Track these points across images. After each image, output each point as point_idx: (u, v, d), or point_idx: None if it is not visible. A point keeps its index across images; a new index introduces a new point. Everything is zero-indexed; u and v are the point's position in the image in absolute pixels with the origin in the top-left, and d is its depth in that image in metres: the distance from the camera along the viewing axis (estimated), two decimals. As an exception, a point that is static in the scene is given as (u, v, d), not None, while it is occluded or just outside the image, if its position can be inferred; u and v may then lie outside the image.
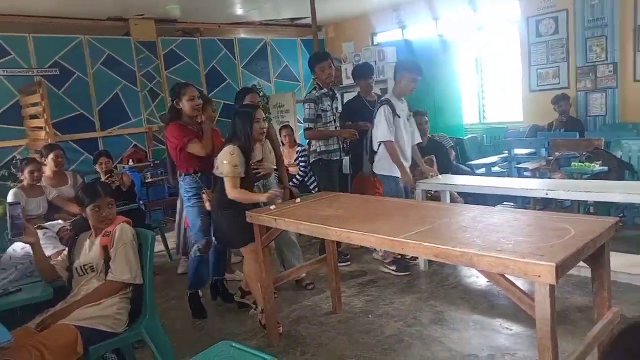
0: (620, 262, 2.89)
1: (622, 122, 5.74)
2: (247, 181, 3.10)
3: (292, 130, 5.74)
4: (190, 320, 3.46)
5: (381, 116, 3.76)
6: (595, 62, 5.84)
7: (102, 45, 6.69)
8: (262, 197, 3.03)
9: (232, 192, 3.00)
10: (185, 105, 3.36)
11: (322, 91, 4.14)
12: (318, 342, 2.94)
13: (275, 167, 3.57)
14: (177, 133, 3.34)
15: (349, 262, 4.28)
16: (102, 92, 6.70)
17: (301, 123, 6.05)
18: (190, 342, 3.11)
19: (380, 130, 3.78)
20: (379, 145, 3.86)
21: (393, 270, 3.87)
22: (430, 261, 3.92)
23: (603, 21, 5.68)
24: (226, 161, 2.99)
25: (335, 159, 4.17)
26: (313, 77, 4.30)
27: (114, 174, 4.66)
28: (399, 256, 3.86)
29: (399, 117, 3.82)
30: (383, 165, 3.87)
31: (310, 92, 4.21)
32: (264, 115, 3.18)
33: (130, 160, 6.48)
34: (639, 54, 5.58)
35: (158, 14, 6.91)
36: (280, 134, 5.79)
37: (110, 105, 6.76)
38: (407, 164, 3.87)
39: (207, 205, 3.32)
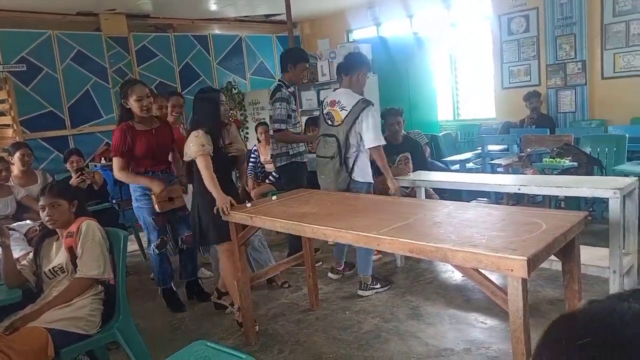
0: (589, 256, 2.97)
1: (591, 119, 5.89)
2: (222, 167, 3.07)
3: (269, 127, 5.70)
4: (166, 320, 3.42)
5: (369, 120, 3.38)
6: (565, 59, 5.97)
7: (71, 40, 6.52)
8: (219, 198, 2.88)
9: (205, 172, 2.92)
10: (133, 105, 3.23)
11: (290, 90, 4.00)
12: (296, 340, 2.94)
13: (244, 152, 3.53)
14: (115, 141, 3.26)
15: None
16: (72, 89, 6.53)
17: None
18: (166, 342, 3.07)
19: (372, 135, 3.39)
20: (356, 153, 3.47)
21: (379, 288, 3.55)
22: (406, 257, 3.96)
23: (572, 20, 5.82)
24: (192, 143, 2.96)
25: (304, 160, 4.13)
26: (283, 73, 4.05)
27: (86, 172, 4.55)
28: (377, 275, 3.67)
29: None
30: (359, 172, 3.49)
31: (279, 91, 3.93)
32: (224, 99, 3.18)
33: (103, 159, 6.33)
34: (606, 53, 5.73)
35: (129, 9, 6.77)
36: (256, 131, 5.75)
37: (80, 102, 6.60)
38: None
39: (157, 207, 3.28)
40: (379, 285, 3.54)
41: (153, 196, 3.27)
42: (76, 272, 2.33)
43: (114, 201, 4.93)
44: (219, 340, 2.97)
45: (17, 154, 4.09)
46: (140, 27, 7.35)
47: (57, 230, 2.46)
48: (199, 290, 3.72)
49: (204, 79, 7.73)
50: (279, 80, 4.06)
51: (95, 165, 5.98)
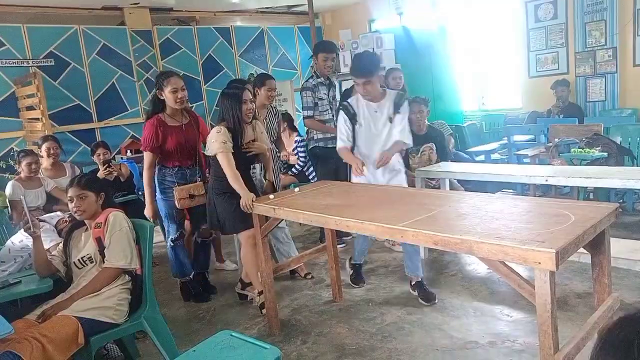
0: (620, 248, 2.90)
1: (622, 107, 5.71)
2: (241, 163, 3.10)
3: (292, 118, 5.69)
4: (191, 310, 3.47)
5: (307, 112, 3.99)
6: (595, 47, 5.80)
7: (97, 35, 6.62)
8: (243, 195, 2.91)
9: (228, 169, 3.00)
10: (167, 97, 3.24)
11: (319, 80, 4.20)
12: (319, 331, 2.95)
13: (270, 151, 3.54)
14: (146, 134, 3.28)
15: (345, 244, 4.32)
16: (98, 83, 6.65)
17: (299, 111, 6.03)
18: (191, 331, 3.12)
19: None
20: None
21: (350, 276, 3.57)
22: (430, 249, 3.92)
23: (602, 5, 5.64)
24: (214, 139, 3.03)
25: (331, 146, 4.07)
26: (312, 64, 4.32)
27: (112, 164, 4.65)
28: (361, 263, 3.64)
29: (361, 125, 3.19)
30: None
31: (307, 81, 4.27)
32: (251, 97, 3.16)
33: (129, 151, 6.44)
34: (638, 39, 5.54)
35: (153, 2, 6.84)
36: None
37: (106, 95, 6.71)
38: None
39: (177, 203, 3.33)
40: (351, 273, 3.57)
41: (175, 192, 3.32)
42: (104, 262, 2.38)
43: (139, 193, 5.01)
44: (243, 330, 3.00)
45: (44, 147, 4.20)
46: (164, 21, 7.42)
47: (85, 221, 2.51)
48: (206, 284, 3.72)
49: (226, 71, 7.77)
50: (313, 70, 4.31)
51: (122, 158, 6.08)
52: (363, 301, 3.30)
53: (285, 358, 2.66)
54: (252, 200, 2.88)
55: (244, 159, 3.17)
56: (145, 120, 3.41)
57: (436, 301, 3.13)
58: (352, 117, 3.19)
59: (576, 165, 4.09)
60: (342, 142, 3.21)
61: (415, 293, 3.23)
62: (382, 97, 3.19)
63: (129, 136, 6.81)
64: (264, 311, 3.13)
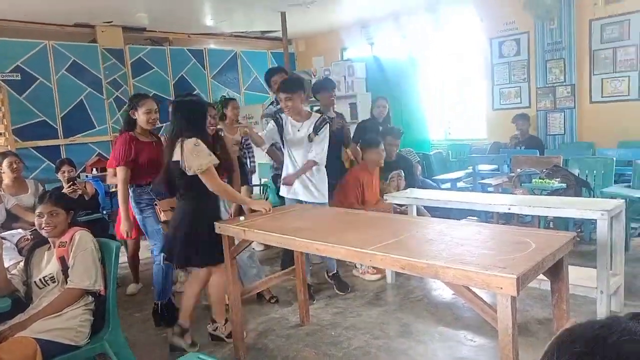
0: (577, 276, 3.00)
1: (580, 141, 6.00)
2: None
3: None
4: (155, 333, 3.39)
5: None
6: (555, 83, 6.10)
7: (67, 51, 6.55)
8: (254, 205, 3.02)
9: (216, 185, 2.79)
10: (140, 117, 3.35)
11: (278, 106, 4.03)
12: (285, 355, 2.93)
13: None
14: (119, 149, 3.29)
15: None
16: (66, 99, 6.54)
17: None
18: (156, 356, 3.03)
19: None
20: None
21: (334, 285, 3.87)
22: (397, 274, 3.97)
23: (561, 45, 5.96)
24: (196, 153, 2.72)
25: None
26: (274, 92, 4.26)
27: (77, 182, 4.54)
28: (340, 274, 3.87)
29: (286, 138, 3.63)
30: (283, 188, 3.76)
31: (268, 107, 4.44)
32: (213, 113, 3.30)
33: (94, 169, 6.31)
34: (594, 77, 5.87)
35: (126, 21, 6.82)
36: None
37: (74, 112, 6.60)
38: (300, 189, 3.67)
39: (162, 216, 3.28)
40: (334, 282, 3.82)
41: (157, 206, 3.30)
42: (67, 282, 2.32)
43: (104, 212, 4.91)
44: (209, 354, 2.94)
45: (5, 162, 4.08)
46: (136, 40, 7.41)
47: (49, 239, 2.45)
48: (173, 310, 3.48)
49: (198, 92, 7.77)
50: (273, 98, 4.39)
51: (87, 176, 5.95)
52: (330, 325, 3.30)
53: (251, 383, 2.63)
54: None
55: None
56: (117, 138, 3.44)
57: (349, 290, 3.79)
58: (280, 127, 3.63)
59: (537, 195, 4.25)
60: (264, 146, 3.67)
61: (332, 282, 3.80)
62: (306, 117, 3.63)
63: (96, 154, 6.69)
64: (229, 339, 3.07)
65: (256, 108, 7.48)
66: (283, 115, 3.68)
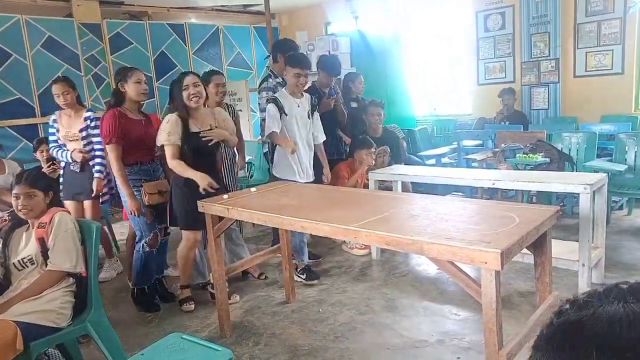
0: (560, 249, 3.04)
1: (563, 115, 6.02)
2: (200, 152, 3.09)
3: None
4: (139, 314, 3.36)
5: (265, 114, 3.70)
6: (539, 57, 6.08)
7: (42, 26, 6.31)
8: (197, 177, 2.98)
9: (170, 161, 3.04)
10: (131, 87, 3.21)
11: (278, 80, 4.05)
12: (271, 332, 2.94)
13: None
14: (107, 126, 3.14)
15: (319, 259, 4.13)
16: (43, 76, 6.32)
17: (255, 112, 5.98)
18: (140, 335, 3.02)
19: (266, 127, 3.62)
20: (271, 145, 3.81)
21: (304, 279, 3.63)
22: (382, 250, 3.99)
23: (546, 18, 5.92)
24: (162, 129, 3.06)
25: None
26: (273, 63, 4.18)
27: (57, 162, 4.44)
28: (310, 264, 3.78)
29: (286, 114, 3.58)
30: (277, 167, 3.71)
31: (267, 81, 4.07)
32: (194, 81, 3.07)
33: (74, 148, 6.18)
34: (578, 51, 5.86)
35: (103, -5, 6.60)
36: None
37: (51, 89, 6.40)
38: (296, 168, 3.64)
39: (146, 199, 3.22)
40: (304, 276, 3.63)
41: (144, 187, 3.21)
42: (47, 264, 2.28)
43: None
44: (193, 333, 2.94)
45: None
46: (114, 14, 7.18)
47: (28, 220, 2.39)
48: (163, 291, 3.55)
49: (179, 68, 7.60)
50: (270, 70, 4.17)
51: (67, 155, 5.83)
52: (316, 302, 3.31)
53: (237, 360, 2.63)
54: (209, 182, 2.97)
55: (203, 147, 3.10)
56: (104, 114, 3.29)
57: (319, 280, 3.63)
58: (281, 109, 3.57)
59: (521, 169, 4.27)
60: (275, 129, 3.54)
61: (304, 276, 3.62)
62: (302, 96, 3.72)
63: (75, 133, 6.53)
64: (183, 307, 3.27)
65: (240, 84, 7.36)
66: (279, 93, 3.69)
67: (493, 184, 3.38)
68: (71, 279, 2.34)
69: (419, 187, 4.44)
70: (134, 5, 7.26)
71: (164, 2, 7.41)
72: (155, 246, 3.35)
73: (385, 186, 4.17)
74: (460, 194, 5.12)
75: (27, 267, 2.31)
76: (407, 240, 1.89)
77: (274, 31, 7.76)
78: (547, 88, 6.09)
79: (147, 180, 3.27)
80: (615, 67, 5.64)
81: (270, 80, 4.06)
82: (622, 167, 4.16)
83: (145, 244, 3.29)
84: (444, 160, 5.69)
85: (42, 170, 4.14)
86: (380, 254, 4.04)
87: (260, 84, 4.19)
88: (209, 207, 2.79)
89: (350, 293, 3.41)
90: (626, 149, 4.36)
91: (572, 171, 4.46)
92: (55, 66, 6.42)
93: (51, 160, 4.33)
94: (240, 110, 6.76)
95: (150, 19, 7.54)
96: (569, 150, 4.70)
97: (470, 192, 5.07)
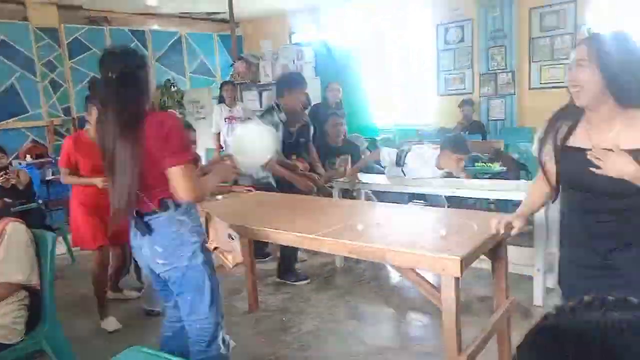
0: (516, 255, 3.14)
1: (520, 126, 6.25)
2: None
3: None
4: (96, 328, 3.26)
5: None
6: (496, 70, 6.29)
7: (-5, 29, 6.09)
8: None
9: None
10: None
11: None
12: (234, 343, 2.89)
13: None
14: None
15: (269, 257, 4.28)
16: (-4, 81, 6.10)
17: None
18: (97, 350, 2.92)
19: None
20: None
21: (293, 281, 3.73)
22: (346, 258, 4.01)
23: (503, 32, 6.15)
24: None
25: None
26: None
27: (10, 171, 4.27)
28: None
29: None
30: None
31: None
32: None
33: (28, 156, 5.96)
34: (533, 65, 6.10)
35: (61, -2, 6.42)
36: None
37: (4, 95, 6.17)
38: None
39: None
40: (294, 279, 3.71)
41: None
42: (-2, 276, 2.18)
43: (39, 201, 4.64)
44: (154, 346, 2.87)
45: None
46: (73, 19, 6.98)
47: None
48: None
49: (141, 75, 7.46)
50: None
51: (20, 164, 5.62)
52: (280, 311, 3.30)
53: (199, 372, 2.58)
54: None
55: None
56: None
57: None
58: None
59: (480, 178, 4.39)
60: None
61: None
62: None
63: (29, 140, 6.31)
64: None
65: (202, 92, 7.30)
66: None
67: (453, 192, 3.47)
68: (24, 292, 2.25)
69: (381, 196, 4.49)
70: (93, 10, 7.10)
71: (125, 7, 7.28)
72: None
73: (348, 195, 4.20)
74: (421, 202, 5.21)
75: (-23, 280, 2.21)
76: (370, 248, 1.91)
77: (238, 39, 7.74)
78: (504, 100, 6.31)
79: None
80: (567, 81, 5.89)
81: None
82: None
83: None
84: (406, 169, 5.76)
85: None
86: (344, 262, 4.06)
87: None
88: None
89: (314, 301, 3.41)
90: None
91: (527, 180, 4.62)
92: (9, 71, 6.20)
93: (4, 169, 4.16)
94: (204, 117, 6.71)
95: (110, 25, 7.37)
96: (525, 159, 4.87)
97: (431, 200, 5.17)
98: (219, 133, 5.86)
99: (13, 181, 4.16)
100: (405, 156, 3.78)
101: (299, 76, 3.92)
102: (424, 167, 3.79)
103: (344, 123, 4.64)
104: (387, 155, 3.86)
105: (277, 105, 3.66)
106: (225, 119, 5.79)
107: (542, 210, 3.01)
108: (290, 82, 3.72)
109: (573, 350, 0.50)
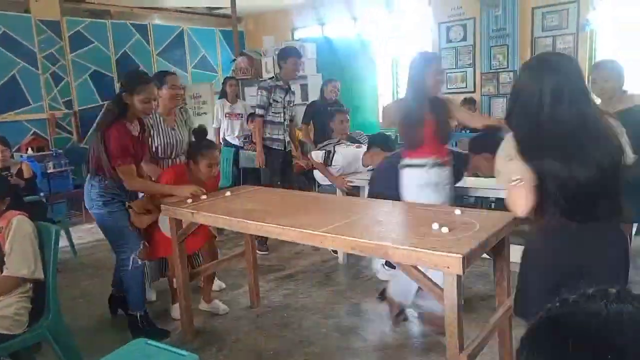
0: (518, 254, 3.15)
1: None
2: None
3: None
4: (99, 320, 3.27)
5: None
6: (498, 69, 6.30)
7: (-3, 21, 6.08)
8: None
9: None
10: (136, 105, 2.82)
11: (278, 83, 4.31)
12: (235, 338, 2.92)
13: None
14: (119, 143, 2.77)
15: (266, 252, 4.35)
16: (-3, 72, 6.09)
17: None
18: (101, 342, 2.93)
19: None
20: None
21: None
22: (348, 254, 4.03)
23: (505, 32, 6.14)
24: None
25: (276, 148, 4.36)
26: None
27: (12, 163, 4.28)
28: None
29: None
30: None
31: (265, 80, 4.52)
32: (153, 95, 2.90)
33: (30, 149, 5.96)
34: (535, 64, 6.10)
35: (63, -9, 6.41)
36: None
37: (6, 87, 6.16)
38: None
39: (136, 224, 2.99)
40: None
41: (131, 210, 2.95)
42: (3, 270, 2.19)
43: (42, 194, 4.65)
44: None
45: None
46: (75, 12, 6.97)
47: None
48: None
49: (142, 69, 7.46)
50: (275, 73, 4.61)
51: (22, 156, 5.62)
52: (281, 306, 3.31)
53: (201, 366, 2.60)
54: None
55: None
56: (105, 126, 2.84)
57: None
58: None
59: (481, 177, 4.40)
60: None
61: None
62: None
63: (31, 132, 6.31)
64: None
65: (204, 86, 7.29)
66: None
67: (456, 190, 3.47)
68: (28, 284, 2.26)
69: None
70: (95, 2, 7.09)
71: (127, 1, 7.27)
72: (145, 259, 2.99)
73: (351, 191, 4.21)
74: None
75: (-18, 272, 2.22)
76: (373, 245, 1.92)
77: (240, 35, 7.74)
78: (505, 99, 6.30)
79: (131, 199, 3.01)
80: (569, 80, 5.90)
81: (269, 81, 4.40)
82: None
83: (135, 257, 2.90)
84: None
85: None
86: (346, 259, 4.08)
87: (260, 82, 4.63)
88: (173, 211, 2.75)
89: (315, 297, 3.42)
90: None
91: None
92: (11, 63, 6.20)
93: (6, 170, 4.17)
94: (205, 113, 6.71)
95: (112, 18, 7.37)
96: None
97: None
98: (219, 128, 5.89)
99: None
100: (332, 157, 4.11)
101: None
102: (355, 163, 4.15)
103: (349, 118, 4.72)
104: (316, 157, 4.16)
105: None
106: (225, 114, 5.81)
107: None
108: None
109: (575, 341, 0.52)
